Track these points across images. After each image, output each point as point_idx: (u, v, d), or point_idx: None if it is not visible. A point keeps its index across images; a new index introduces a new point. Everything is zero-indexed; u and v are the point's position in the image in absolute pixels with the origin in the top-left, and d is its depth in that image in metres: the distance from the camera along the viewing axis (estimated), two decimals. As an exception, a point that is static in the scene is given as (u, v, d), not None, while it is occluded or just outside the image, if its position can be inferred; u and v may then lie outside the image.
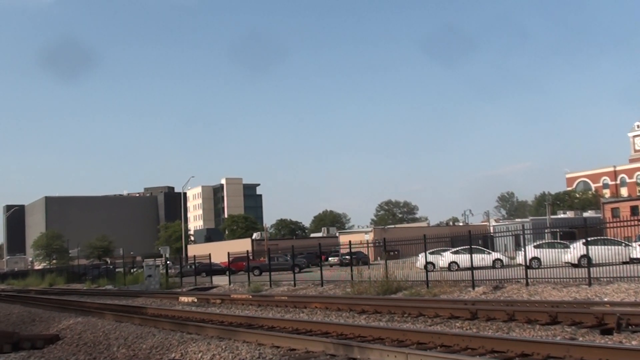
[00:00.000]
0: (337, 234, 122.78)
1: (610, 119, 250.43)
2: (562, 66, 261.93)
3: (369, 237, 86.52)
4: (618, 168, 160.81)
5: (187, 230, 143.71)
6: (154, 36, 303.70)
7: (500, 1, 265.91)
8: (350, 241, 41.50)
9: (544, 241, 40.25)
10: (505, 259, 40.03)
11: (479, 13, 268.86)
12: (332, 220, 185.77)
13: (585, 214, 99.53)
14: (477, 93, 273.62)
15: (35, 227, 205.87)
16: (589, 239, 28.98)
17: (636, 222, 30.06)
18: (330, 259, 64.63)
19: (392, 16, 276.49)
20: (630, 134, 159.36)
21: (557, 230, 51.43)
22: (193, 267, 57.70)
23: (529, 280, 27.68)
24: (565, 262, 34.31)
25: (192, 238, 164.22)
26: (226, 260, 53.38)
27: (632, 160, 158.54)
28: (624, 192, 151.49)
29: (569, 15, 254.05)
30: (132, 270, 69.07)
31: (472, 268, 29.88)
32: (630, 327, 14.17)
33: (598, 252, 29.93)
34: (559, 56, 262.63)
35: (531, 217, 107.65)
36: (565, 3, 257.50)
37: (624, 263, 29.90)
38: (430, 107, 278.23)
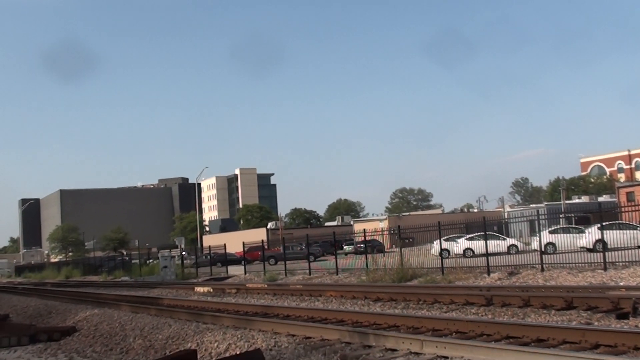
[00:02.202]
0: (352, 223, 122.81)
1: (622, 103, 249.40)
2: (570, 58, 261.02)
3: (384, 225, 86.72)
4: (633, 152, 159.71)
5: (202, 220, 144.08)
6: (164, 28, 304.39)
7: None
8: (365, 229, 41.54)
9: (559, 226, 40.11)
10: (520, 245, 39.93)
11: (484, 12, 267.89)
12: (347, 209, 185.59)
13: (600, 199, 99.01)
14: (487, 85, 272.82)
15: (50, 220, 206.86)
16: (604, 223, 28.88)
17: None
18: (345, 247, 64.63)
19: (405, 8, 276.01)
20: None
21: (572, 215, 51.26)
22: (208, 257, 57.88)
23: (544, 265, 27.65)
24: (581, 247, 34.16)
25: (207, 228, 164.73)
26: (241, 250, 53.60)
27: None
28: (638, 176, 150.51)
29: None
30: (147, 262, 69.42)
31: (487, 254, 29.86)
32: (646, 311, 14.12)
33: (613, 236, 29.85)
34: (566, 49, 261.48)
35: (546, 203, 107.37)
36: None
37: (639, 247, 29.74)
38: (443, 96, 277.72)
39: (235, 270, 50.32)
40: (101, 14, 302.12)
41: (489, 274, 28.14)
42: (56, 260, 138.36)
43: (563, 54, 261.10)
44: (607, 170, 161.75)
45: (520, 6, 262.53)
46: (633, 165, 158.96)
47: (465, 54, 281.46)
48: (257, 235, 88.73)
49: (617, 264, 26.40)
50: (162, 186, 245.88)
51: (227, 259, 54.76)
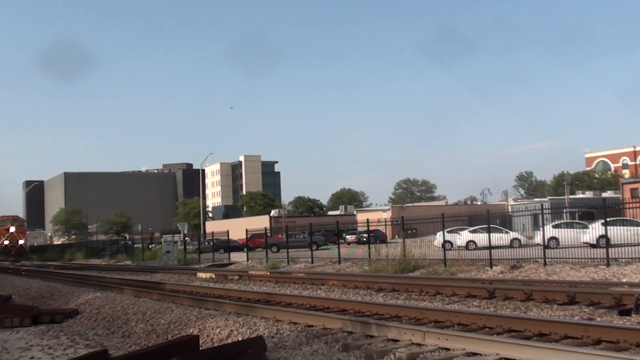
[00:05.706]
0: (355, 212, 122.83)
1: (624, 100, 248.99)
2: (569, 57, 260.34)
3: (387, 215, 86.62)
4: (638, 148, 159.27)
5: (205, 206, 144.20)
6: (171, 14, 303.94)
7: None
8: (368, 219, 41.51)
9: (562, 221, 40.08)
10: (523, 239, 39.89)
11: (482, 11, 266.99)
12: (350, 198, 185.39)
13: (604, 194, 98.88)
14: (487, 83, 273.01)
15: (54, 203, 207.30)
16: (607, 219, 28.84)
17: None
18: (347, 237, 64.58)
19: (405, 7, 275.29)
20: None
21: (576, 210, 51.23)
22: (211, 243, 57.90)
23: (546, 260, 27.65)
24: (584, 243, 34.14)
25: (210, 215, 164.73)
26: (244, 237, 53.55)
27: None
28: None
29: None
30: (150, 246, 69.41)
31: (489, 247, 29.86)
32: (648, 308, 14.11)
33: (617, 232, 29.82)
34: (564, 47, 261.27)
35: (550, 197, 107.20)
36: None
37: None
38: (445, 91, 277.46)
39: (238, 257, 50.38)
40: (109, 3, 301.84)
41: (491, 267, 28.14)
42: (59, 242, 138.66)
43: (562, 52, 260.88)
44: (612, 166, 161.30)
45: (519, 5, 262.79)
46: (638, 162, 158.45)
47: (464, 52, 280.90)
48: (260, 222, 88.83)
49: (620, 260, 26.40)
50: (166, 171, 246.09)
51: (229, 246, 54.76)
